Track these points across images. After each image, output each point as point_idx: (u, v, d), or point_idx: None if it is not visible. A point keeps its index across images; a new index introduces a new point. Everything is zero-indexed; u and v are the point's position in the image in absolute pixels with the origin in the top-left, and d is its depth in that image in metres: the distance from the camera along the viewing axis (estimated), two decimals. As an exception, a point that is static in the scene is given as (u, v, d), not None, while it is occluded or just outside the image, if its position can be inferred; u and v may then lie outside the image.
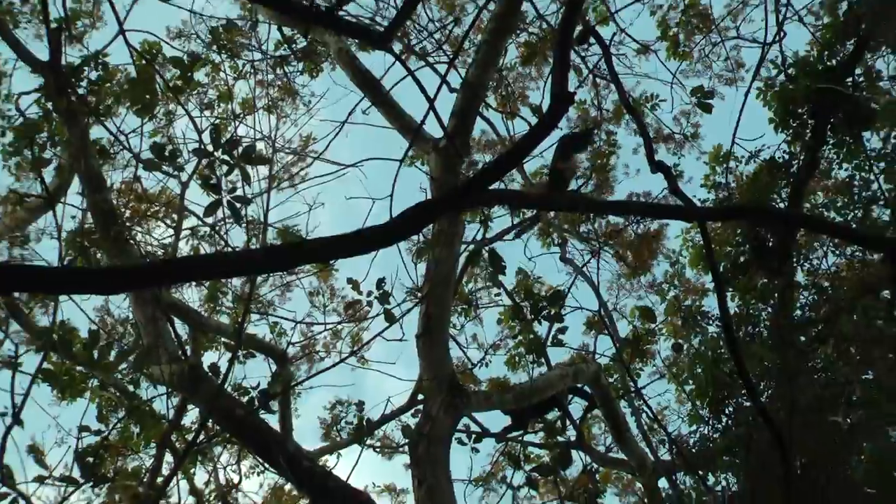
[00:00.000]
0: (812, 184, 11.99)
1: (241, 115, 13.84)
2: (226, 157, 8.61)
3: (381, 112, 11.97)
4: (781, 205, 11.36)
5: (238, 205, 8.59)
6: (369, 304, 10.67)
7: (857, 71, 11.28)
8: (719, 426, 10.54)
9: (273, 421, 12.27)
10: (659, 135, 14.83)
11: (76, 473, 8.04)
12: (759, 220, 10.51)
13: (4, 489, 7.52)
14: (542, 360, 12.01)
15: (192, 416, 11.50)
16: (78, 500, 9.11)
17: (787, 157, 11.56)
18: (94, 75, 10.70)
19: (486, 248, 11.15)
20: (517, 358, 13.93)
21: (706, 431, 10.63)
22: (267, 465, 10.92)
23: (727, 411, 10.57)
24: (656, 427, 12.55)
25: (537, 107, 13.45)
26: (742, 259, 11.32)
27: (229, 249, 11.84)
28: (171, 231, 13.68)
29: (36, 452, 7.95)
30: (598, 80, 13.07)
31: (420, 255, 11.60)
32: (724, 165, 11.98)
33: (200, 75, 13.12)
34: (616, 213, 13.44)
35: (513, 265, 10.85)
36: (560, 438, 12.15)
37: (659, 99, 13.88)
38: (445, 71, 10.44)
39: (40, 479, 7.85)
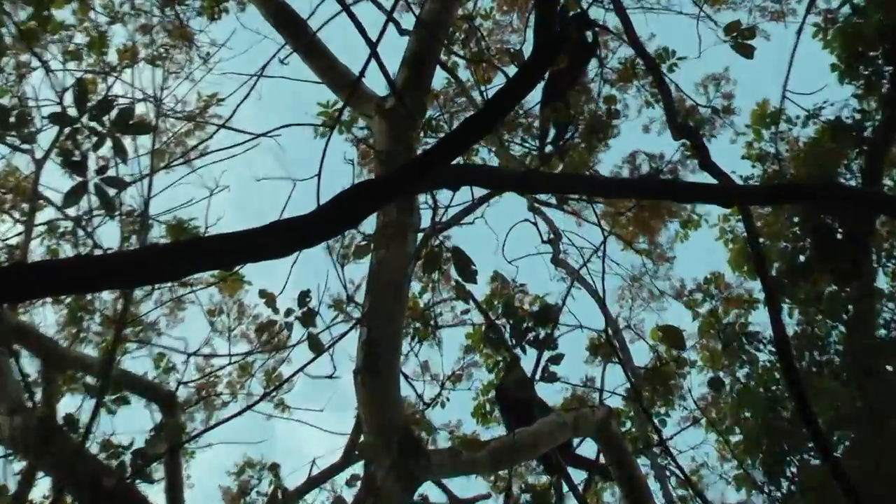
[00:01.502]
0: (895, 151, 11.24)
1: (117, 68, 13.48)
2: (94, 125, 8.15)
3: (307, 62, 11.53)
4: (853, 181, 10.68)
5: (110, 190, 8.13)
6: (289, 326, 10.08)
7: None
8: (778, 493, 9.60)
9: (156, 493, 11.64)
10: (681, 105, 13.81)
11: None
12: (824, 202, 9.95)
13: None
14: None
15: (43, 487, 11.47)
16: None
17: (857, 115, 10.94)
18: None
19: (446, 243, 10.22)
20: (487, 406, 13.41)
21: (761, 501, 9.87)
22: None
23: (788, 472, 9.64)
24: (690, 494, 11.55)
25: (517, 52, 12.97)
26: (801, 258, 10.52)
27: (99, 251, 11.04)
28: (19, 227, 13.38)
29: None
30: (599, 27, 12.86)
31: (358, 255, 10.63)
32: (773, 129, 11.23)
33: (66, 13, 12.82)
34: (623, 195, 12.32)
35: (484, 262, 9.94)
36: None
37: (678, 57, 13.14)
38: (392, 6, 9.78)
39: None
